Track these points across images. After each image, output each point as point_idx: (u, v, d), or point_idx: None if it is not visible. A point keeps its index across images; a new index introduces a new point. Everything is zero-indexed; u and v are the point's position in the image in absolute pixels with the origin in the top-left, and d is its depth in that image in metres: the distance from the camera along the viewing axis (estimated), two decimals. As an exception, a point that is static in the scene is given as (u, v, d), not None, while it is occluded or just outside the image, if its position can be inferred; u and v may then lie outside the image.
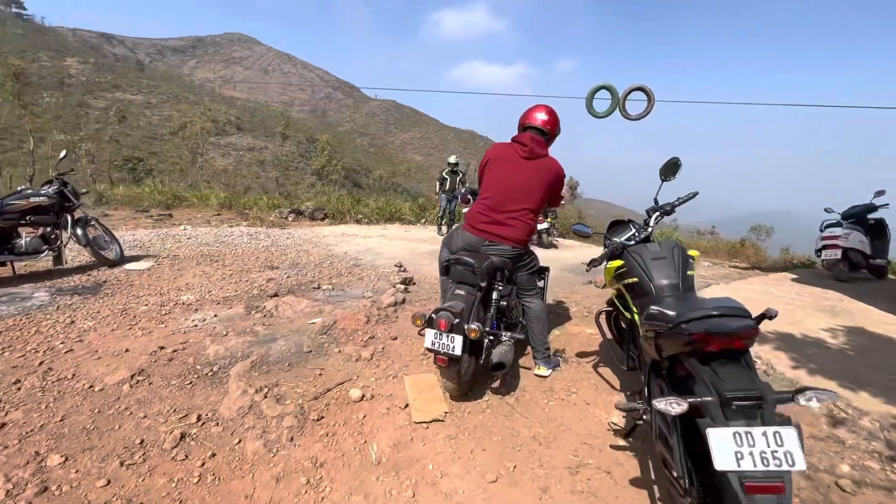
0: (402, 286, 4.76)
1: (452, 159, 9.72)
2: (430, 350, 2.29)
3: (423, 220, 11.96)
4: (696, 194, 2.48)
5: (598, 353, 3.34)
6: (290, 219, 11.04)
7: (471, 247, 2.72)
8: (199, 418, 2.27)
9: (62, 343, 3.08)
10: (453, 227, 9.30)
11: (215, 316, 3.72)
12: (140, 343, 3.14)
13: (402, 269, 5.75)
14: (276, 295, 4.30)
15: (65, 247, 4.70)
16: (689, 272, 2.07)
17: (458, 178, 9.47)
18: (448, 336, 2.22)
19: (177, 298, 4.13)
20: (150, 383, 2.60)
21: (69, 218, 4.72)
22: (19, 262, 4.43)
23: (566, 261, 7.35)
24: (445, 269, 2.58)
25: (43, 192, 4.59)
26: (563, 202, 3.17)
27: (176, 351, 3.02)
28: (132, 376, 2.63)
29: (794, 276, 6.41)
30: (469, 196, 9.22)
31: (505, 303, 2.71)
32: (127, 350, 3.01)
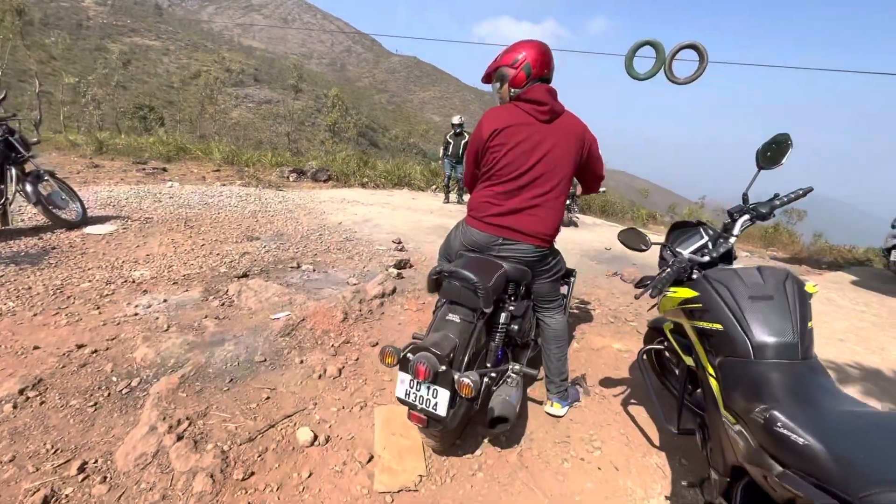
0: (396, 270, 4.07)
1: (456, 119, 8.76)
2: (402, 402, 1.61)
3: (434, 187, 11.13)
4: (810, 190, 1.67)
5: (629, 383, 2.64)
6: (290, 179, 10.34)
7: (478, 247, 1.98)
8: (81, 469, 1.66)
9: (-37, 331, 2.50)
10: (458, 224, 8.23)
11: (165, 301, 3.10)
12: (57, 336, 2.54)
13: (399, 246, 5.05)
14: (244, 275, 3.66)
15: (10, 204, 4.08)
16: (808, 323, 1.31)
17: (463, 142, 8.50)
18: (429, 389, 1.54)
19: (129, 274, 3.51)
20: (42, 402, 1.99)
21: (13, 171, 4.07)
22: (-42, 220, 3.84)
23: (587, 244, 6.55)
24: (436, 284, 1.84)
25: (-18, 139, 3.93)
26: (601, 185, 2.35)
27: (96, 352, 2.41)
28: (22, 390, 2.03)
29: (854, 279, 5.54)
30: None
31: (517, 326, 2.00)
32: (36, 347, 2.40)
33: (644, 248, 1.89)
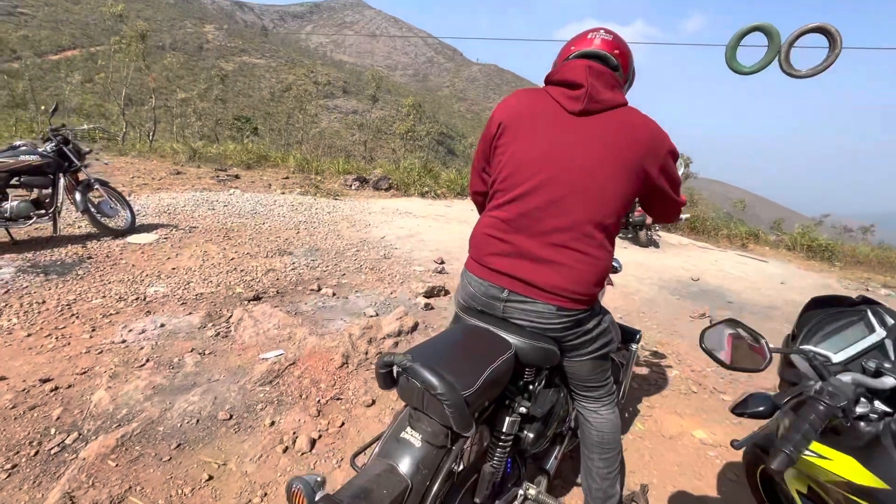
0: (424, 300, 3.51)
1: None
2: None
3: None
4: None
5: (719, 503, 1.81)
6: (352, 187, 10.28)
7: (479, 305, 1.32)
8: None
9: (-50, 352, 2.37)
10: None
11: (161, 326, 2.82)
12: (32, 365, 2.31)
13: (441, 267, 4.49)
14: (256, 298, 3.32)
15: (59, 213, 4.17)
16: None
17: None
18: None
19: (144, 290, 3.33)
20: (-41, 458, 1.70)
21: (65, 180, 4.16)
22: (17, 227, 3.97)
23: (668, 272, 5.49)
24: (388, 379, 1.07)
25: (37, 150, 4.04)
26: (681, 213, 1.54)
27: (56, 390, 2.12)
28: (-52, 439, 1.76)
29: None
30: None
31: (532, 433, 1.32)
32: (2, 378, 2.18)
33: (757, 366, 1.02)
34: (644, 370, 2.86)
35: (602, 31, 1.31)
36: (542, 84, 1.33)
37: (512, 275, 1.22)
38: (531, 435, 1.31)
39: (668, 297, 4.50)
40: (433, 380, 0.96)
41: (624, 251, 6.52)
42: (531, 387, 1.33)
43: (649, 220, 6.79)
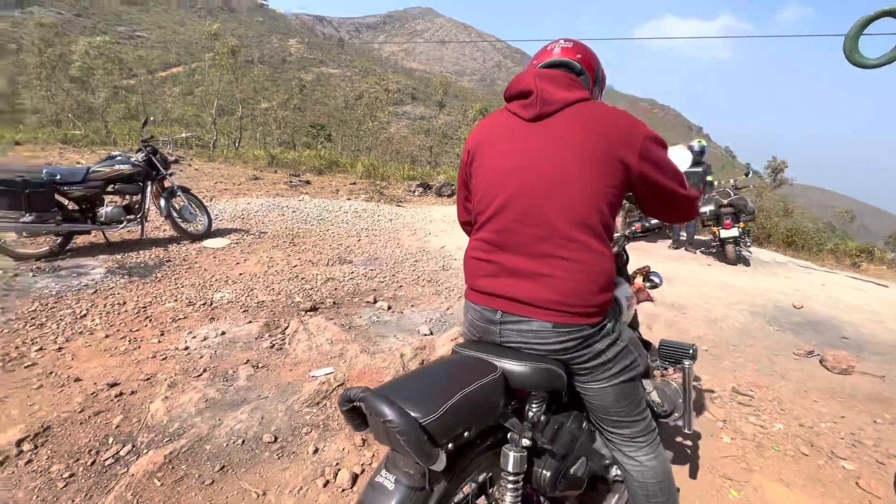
0: (482, 319, 3.30)
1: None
2: None
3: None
4: None
5: None
6: (416, 193, 10.35)
7: (478, 332, 1.24)
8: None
9: (41, 349, 2.56)
10: None
11: (223, 334, 2.87)
12: (103, 368, 2.42)
13: (501, 282, 4.25)
14: (313, 309, 3.31)
15: (146, 218, 4.50)
16: None
17: None
18: None
19: (212, 296, 3.46)
20: (28, 462, 1.76)
21: (152, 188, 4.49)
22: (111, 230, 4.35)
23: (763, 296, 4.81)
24: (356, 417, 0.95)
25: (130, 159, 4.39)
26: (700, 205, 1.32)
27: (121, 396, 2.19)
28: (21, 441, 1.85)
29: None
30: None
31: (549, 471, 1.14)
32: (77, 380, 2.30)
33: None
34: (737, 418, 2.43)
35: (561, 40, 1.32)
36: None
37: (502, 294, 1.15)
38: (547, 473, 1.13)
39: (763, 326, 3.90)
40: (383, 407, 0.84)
41: (708, 269, 5.85)
42: (530, 415, 1.13)
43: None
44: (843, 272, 7.07)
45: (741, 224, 6.11)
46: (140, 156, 4.49)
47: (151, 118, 4.89)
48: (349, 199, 8.38)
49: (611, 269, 1.12)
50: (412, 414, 0.85)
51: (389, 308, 3.45)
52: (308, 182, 10.39)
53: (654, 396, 1.59)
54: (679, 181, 1.20)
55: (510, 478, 1.05)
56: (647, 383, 1.62)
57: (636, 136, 1.09)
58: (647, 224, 1.74)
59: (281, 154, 16.17)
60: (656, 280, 1.83)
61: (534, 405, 1.13)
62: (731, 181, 6.95)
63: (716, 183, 6.95)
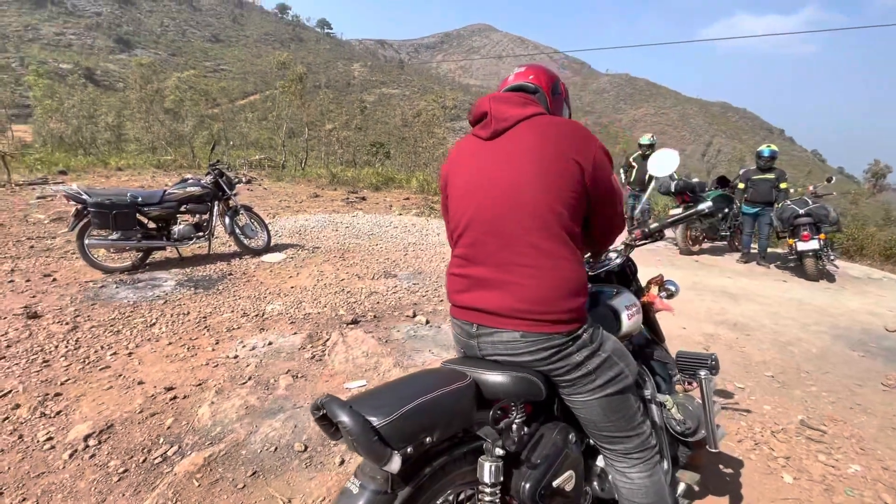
0: (520, 336, 3.22)
1: (645, 140, 7.13)
2: None
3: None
4: None
5: None
6: (467, 207, 10.42)
7: (462, 346, 1.29)
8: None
9: (114, 353, 2.86)
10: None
11: (270, 344, 3.05)
12: (164, 373, 2.66)
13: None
14: (354, 322, 3.41)
15: (213, 234, 4.91)
16: None
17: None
18: None
19: (264, 307, 3.68)
20: (91, 456, 1.97)
21: (217, 207, 4.90)
22: (183, 246, 4.80)
23: (848, 317, 4.28)
24: (328, 426, 0.94)
25: (200, 182, 4.84)
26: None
27: (175, 399, 2.39)
28: (88, 436, 2.07)
29: None
30: (686, 192, 6.58)
31: (528, 484, 1.11)
32: (140, 383, 2.54)
33: None
34: (804, 455, 2.16)
35: (516, 67, 1.39)
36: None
37: (475, 307, 1.17)
38: (527, 485, 1.10)
39: (846, 352, 3.45)
40: (337, 412, 0.88)
41: (782, 285, 5.31)
42: (503, 423, 1.09)
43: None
44: (958, 290, 6.09)
45: (822, 235, 5.49)
46: (209, 178, 4.93)
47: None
48: (400, 214, 8.61)
49: (578, 273, 1.12)
50: (368, 417, 0.89)
51: (427, 322, 3.48)
52: (363, 198, 10.82)
53: (675, 413, 1.48)
54: (620, 200, 1.25)
55: (487, 489, 1.04)
56: (665, 399, 1.51)
57: (589, 145, 1.13)
58: (646, 230, 1.66)
59: (341, 172, 17.02)
60: (672, 289, 1.73)
61: (511, 415, 1.12)
62: (811, 188, 6.30)
63: (791, 190, 6.32)
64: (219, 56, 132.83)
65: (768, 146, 6.21)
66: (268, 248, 5.27)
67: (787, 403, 2.65)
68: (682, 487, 1.51)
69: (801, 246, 5.51)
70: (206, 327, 3.30)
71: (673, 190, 6.54)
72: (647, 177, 6.71)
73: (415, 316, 3.58)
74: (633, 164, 7.12)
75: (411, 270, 4.84)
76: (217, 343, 3.06)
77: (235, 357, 2.86)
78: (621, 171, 7.41)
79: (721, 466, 2.05)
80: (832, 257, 5.92)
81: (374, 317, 3.56)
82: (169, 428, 2.17)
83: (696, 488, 1.74)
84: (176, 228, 4.64)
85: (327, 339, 3.12)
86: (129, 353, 2.87)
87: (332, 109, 34.39)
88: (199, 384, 2.55)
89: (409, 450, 0.93)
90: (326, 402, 0.93)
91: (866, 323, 4.08)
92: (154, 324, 3.31)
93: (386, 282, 4.43)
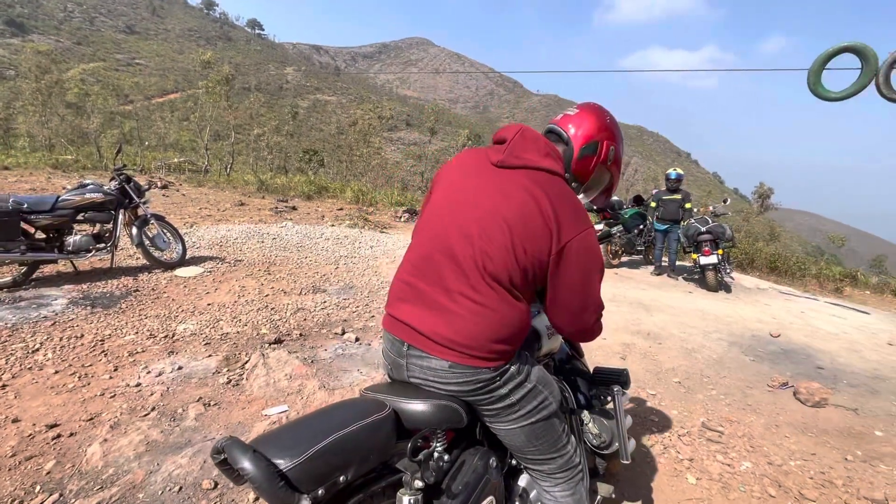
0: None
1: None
2: None
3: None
4: None
5: None
6: (402, 219, 10.36)
7: (390, 363, 1.24)
8: None
9: (-17, 387, 2.45)
10: None
11: (179, 368, 2.78)
12: (47, 407, 2.31)
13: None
14: (277, 341, 3.22)
15: (116, 247, 4.42)
16: None
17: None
18: None
19: (175, 327, 3.36)
20: (-58, 514, 1.66)
21: (123, 216, 4.43)
22: (79, 259, 4.26)
23: (741, 324, 4.79)
24: (229, 470, 0.87)
25: (102, 187, 4.36)
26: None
27: (58, 439, 2.08)
28: (-61, 491, 1.74)
29: None
30: (607, 209, 7.06)
31: None
32: (15, 420, 2.19)
33: None
34: (704, 456, 2.35)
35: (574, 106, 1.32)
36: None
37: (410, 323, 1.13)
38: None
39: (740, 357, 3.85)
40: (238, 455, 0.83)
41: (688, 296, 5.84)
42: (422, 455, 1.09)
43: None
44: (825, 298, 7.09)
45: (720, 251, 6.15)
46: (113, 184, 4.45)
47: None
48: (333, 225, 8.36)
49: (521, 322, 1.12)
50: (274, 460, 0.84)
51: (357, 340, 3.37)
52: (294, 208, 10.37)
53: (592, 427, 1.55)
54: (591, 306, 1.18)
55: None
56: (582, 413, 1.57)
57: (567, 230, 1.07)
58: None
59: (271, 179, 16.23)
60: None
61: (432, 444, 1.12)
62: (711, 208, 7.04)
63: (694, 210, 7.02)
64: (133, 49, 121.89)
65: (675, 170, 6.86)
66: (182, 262, 4.84)
67: (691, 407, 2.89)
68: (598, 500, 1.57)
69: (703, 260, 6.12)
70: (103, 352, 2.94)
71: (595, 207, 6.98)
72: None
73: (344, 333, 3.46)
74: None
75: (342, 285, 4.69)
76: (116, 370, 2.74)
77: (137, 385, 2.57)
78: None
79: (634, 472, 2.18)
80: (728, 270, 6.63)
81: (300, 335, 3.39)
82: (49, 473, 1.88)
83: (613, 495, 1.82)
84: (71, 239, 4.12)
85: (246, 362, 2.91)
86: (2, 386, 2.47)
87: (262, 113, 32.88)
88: (91, 419, 2.25)
89: (320, 492, 0.88)
90: (227, 445, 0.86)
91: (756, 330, 4.60)
92: (37, 349, 2.89)
93: (314, 297, 4.24)
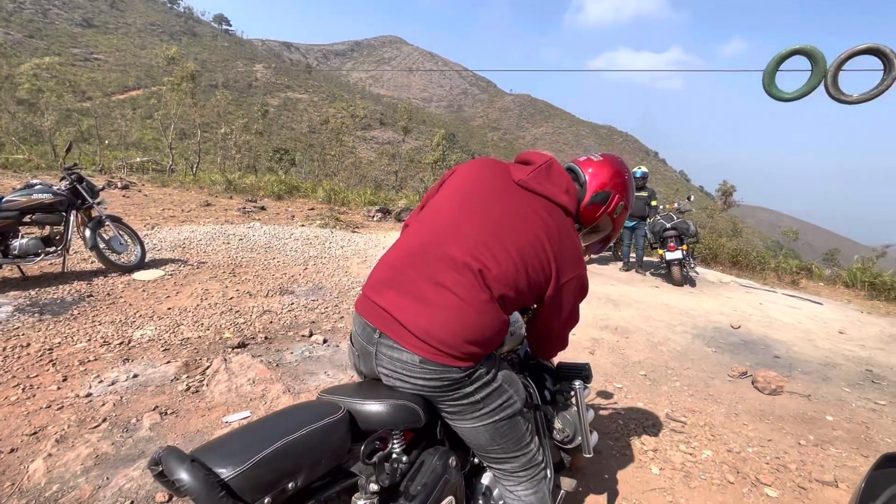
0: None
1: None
2: None
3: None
4: None
5: None
6: (375, 218, 10.25)
7: (358, 351, 1.21)
8: None
9: (-87, 403, 2.27)
10: None
11: (135, 377, 2.65)
12: (-15, 422, 2.17)
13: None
14: (242, 345, 3.12)
15: (68, 250, 4.19)
16: None
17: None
18: None
19: (132, 333, 3.21)
20: None
21: (75, 217, 4.21)
22: (27, 264, 4.02)
23: (704, 317, 4.95)
24: (169, 483, 0.83)
25: (52, 188, 4.12)
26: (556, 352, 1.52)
27: (-3, 454, 1.95)
28: None
29: None
30: None
31: None
32: (-52, 438, 2.04)
33: None
34: (668, 446, 2.41)
35: (599, 153, 1.40)
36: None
37: (389, 311, 1.10)
38: None
39: (702, 348, 3.98)
40: (174, 466, 0.78)
41: (654, 291, 6.00)
42: (377, 457, 1.05)
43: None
44: (782, 290, 7.42)
45: (685, 246, 6.33)
46: (63, 184, 4.22)
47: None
48: (303, 224, 8.18)
49: (499, 331, 1.12)
50: (216, 470, 0.80)
51: (325, 342, 3.30)
52: (263, 208, 10.11)
53: (556, 423, 1.55)
54: (566, 328, 1.37)
55: None
56: (546, 408, 1.58)
57: (566, 268, 1.18)
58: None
59: (239, 179, 15.77)
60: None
61: (389, 445, 1.09)
62: (676, 205, 7.25)
63: (660, 207, 7.21)
64: (91, 43, 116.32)
65: (640, 168, 7.03)
66: (141, 265, 4.63)
67: (656, 399, 2.96)
68: (561, 494, 1.57)
69: (669, 256, 6.29)
70: (51, 361, 2.77)
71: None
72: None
73: (311, 335, 3.39)
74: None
75: (311, 286, 4.60)
76: (65, 380, 2.59)
77: (88, 396, 2.44)
78: None
79: (600, 465, 2.21)
80: (693, 265, 6.84)
81: (266, 338, 3.30)
82: (-16, 494, 1.76)
83: (577, 490, 1.84)
84: (16, 242, 3.88)
85: (207, 367, 2.80)
86: (-64, 401, 2.30)
87: (230, 111, 31.93)
88: (34, 433, 2.12)
89: (266, 501, 0.85)
90: (164, 455, 0.81)
91: (717, 322, 4.76)
92: (-24, 361, 2.70)
93: (281, 299, 4.14)
